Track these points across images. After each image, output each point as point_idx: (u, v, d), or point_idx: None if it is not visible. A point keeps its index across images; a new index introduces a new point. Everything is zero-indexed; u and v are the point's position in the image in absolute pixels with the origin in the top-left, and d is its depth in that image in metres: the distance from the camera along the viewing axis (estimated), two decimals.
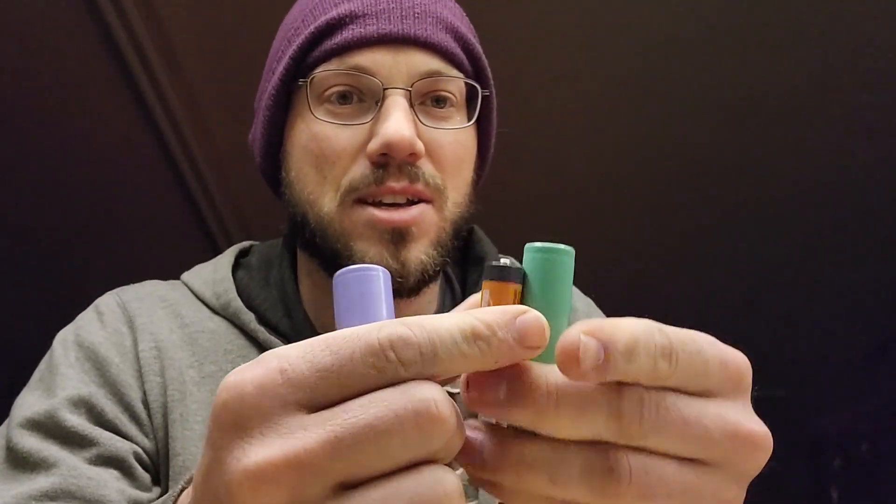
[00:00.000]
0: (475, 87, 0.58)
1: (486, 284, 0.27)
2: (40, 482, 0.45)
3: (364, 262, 0.52)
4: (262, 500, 0.22)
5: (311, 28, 0.55)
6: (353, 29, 0.53)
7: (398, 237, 0.53)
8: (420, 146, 0.52)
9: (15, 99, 1.70)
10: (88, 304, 0.59)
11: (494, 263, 0.26)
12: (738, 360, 0.26)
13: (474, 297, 0.29)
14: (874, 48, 1.62)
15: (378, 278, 0.27)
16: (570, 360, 0.23)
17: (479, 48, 0.59)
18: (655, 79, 1.72)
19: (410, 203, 0.53)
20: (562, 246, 0.26)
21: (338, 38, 0.54)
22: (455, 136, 0.56)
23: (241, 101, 1.72)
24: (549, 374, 0.24)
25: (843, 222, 2.26)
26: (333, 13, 0.54)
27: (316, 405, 0.22)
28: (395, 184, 0.52)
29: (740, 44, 1.62)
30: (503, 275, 0.26)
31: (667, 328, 0.25)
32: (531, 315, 0.24)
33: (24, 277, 2.39)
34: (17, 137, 1.82)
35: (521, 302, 0.26)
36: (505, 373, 0.24)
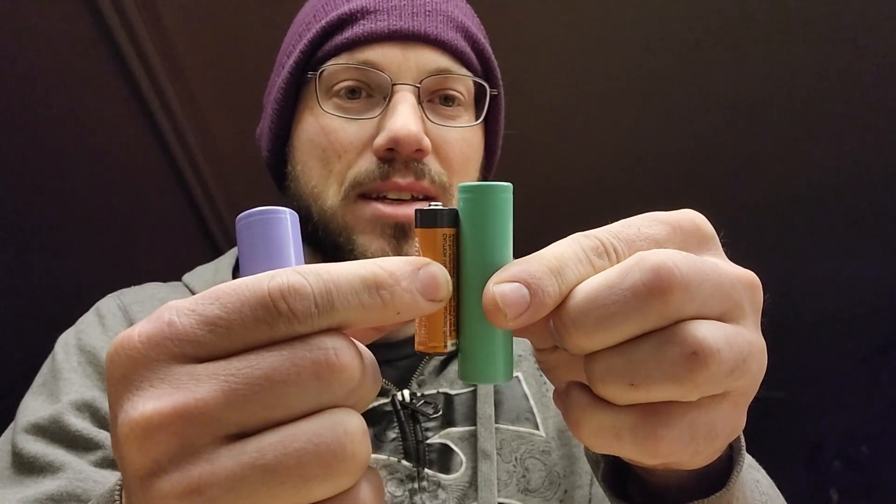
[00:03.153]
0: (484, 86, 0.58)
1: (415, 232, 0.25)
2: (46, 485, 0.45)
3: (366, 257, 0.53)
4: (149, 450, 0.21)
5: (322, 23, 0.55)
6: (363, 24, 0.54)
7: (400, 232, 0.53)
8: (427, 142, 0.52)
9: (14, 99, 1.70)
10: (88, 305, 0.59)
11: (423, 208, 0.25)
12: (688, 216, 0.27)
13: None
14: (876, 47, 1.62)
15: (283, 222, 0.25)
16: (496, 315, 0.23)
17: (488, 48, 0.59)
18: (656, 79, 1.72)
19: (415, 200, 0.54)
20: (495, 182, 0.25)
21: (348, 33, 0.54)
22: (462, 135, 0.56)
23: (241, 101, 1.72)
24: (570, 301, 0.23)
25: (843, 224, 2.26)
26: (345, 9, 0.55)
27: (208, 358, 0.21)
28: (401, 180, 0.52)
29: (743, 44, 1.62)
30: (430, 220, 0.25)
31: (598, 230, 0.25)
32: (434, 267, 0.24)
33: (25, 278, 2.39)
34: (16, 138, 1.82)
35: (458, 244, 0.26)
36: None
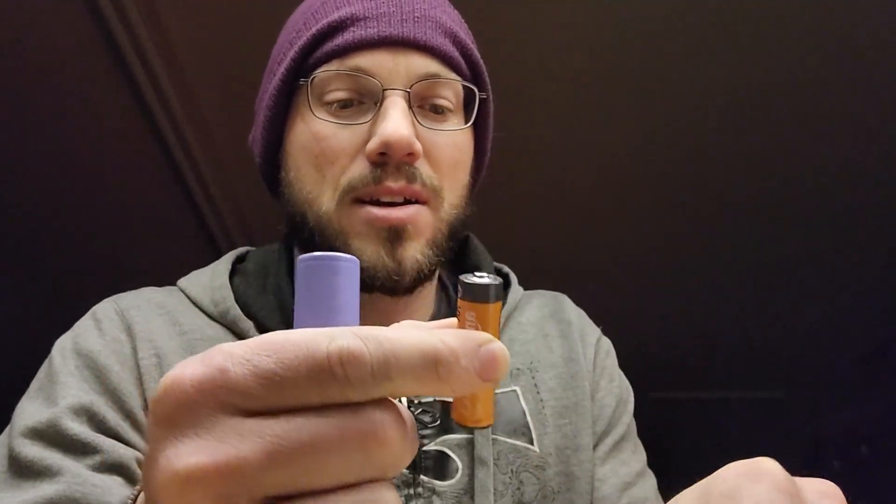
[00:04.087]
0: (473, 90, 0.58)
1: (466, 305, 0.24)
2: (45, 490, 0.45)
3: (362, 260, 0.53)
4: (187, 502, 0.21)
5: (313, 30, 0.56)
6: (353, 31, 0.54)
7: (394, 236, 0.53)
8: (418, 146, 0.53)
9: (14, 99, 1.70)
10: (88, 307, 0.59)
11: (474, 281, 0.24)
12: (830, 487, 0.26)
13: (451, 320, 0.27)
14: (875, 47, 1.62)
15: (348, 271, 0.24)
16: None
17: (476, 53, 0.60)
18: (654, 79, 1.72)
19: (407, 203, 0.54)
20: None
21: (339, 40, 0.55)
22: (452, 139, 0.57)
23: (242, 101, 1.72)
24: None
25: (842, 223, 2.26)
26: (335, 16, 0.55)
27: (256, 411, 0.21)
28: (393, 184, 0.53)
29: (743, 44, 1.62)
30: (484, 294, 0.24)
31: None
32: (495, 346, 0.23)
33: (24, 280, 2.39)
34: (16, 138, 1.82)
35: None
36: None
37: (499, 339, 0.24)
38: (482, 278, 0.24)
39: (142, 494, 0.30)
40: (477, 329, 0.24)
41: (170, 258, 2.12)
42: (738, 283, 2.59)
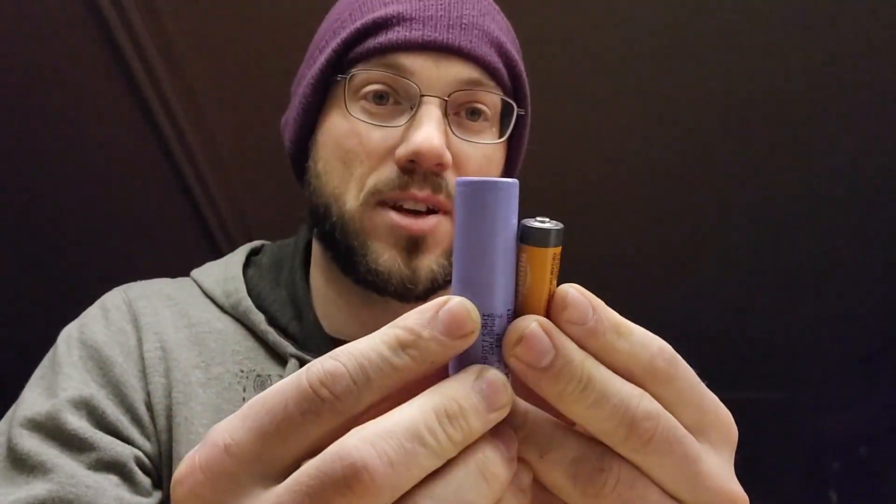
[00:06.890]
0: (511, 104, 0.57)
1: (521, 248, 0.23)
2: (37, 489, 0.45)
3: (377, 264, 0.53)
4: None
5: (357, 24, 0.55)
6: (398, 31, 0.54)
7: (412, 245, 0.53)
8: (448, 157, 0.52)
9: (15, 99, 1.70)
10: (88, 305, 0.59)
11: (534, 225, 0.23)
12: (728, 413, 0.26)
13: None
14: (876, 47, 1.62)
15: (507, 191, 0.23)
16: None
17: (521, 66, 0.59)
18: (659, 80, 1.72)
19: (430, 211, 0.54)
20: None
21: (382, 38, 0.54)
22: (483, 152, 0.56)
23: (241, 101, 1.72)
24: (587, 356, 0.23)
25: (842, 224, 2.26)
26: (381, 12, 0.55)
27: (276, 471, 0.21)
28: (419, 192, 0.52)
29: (745, 44, 1.62)
30: (542, 239, 0.23)
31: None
32: (453, 301, 0.22)
33: (25, 278, 2.39)
34: (17, 138, 1.82)
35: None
36: (553, 341, 0.23)
37: (555, 286, 0.24)
38: (544, 223, 0.23)
39: None
40: (527, 275, 0.23)
41: (169, 257, 2.12)
42: (739, 283, 2.59)
